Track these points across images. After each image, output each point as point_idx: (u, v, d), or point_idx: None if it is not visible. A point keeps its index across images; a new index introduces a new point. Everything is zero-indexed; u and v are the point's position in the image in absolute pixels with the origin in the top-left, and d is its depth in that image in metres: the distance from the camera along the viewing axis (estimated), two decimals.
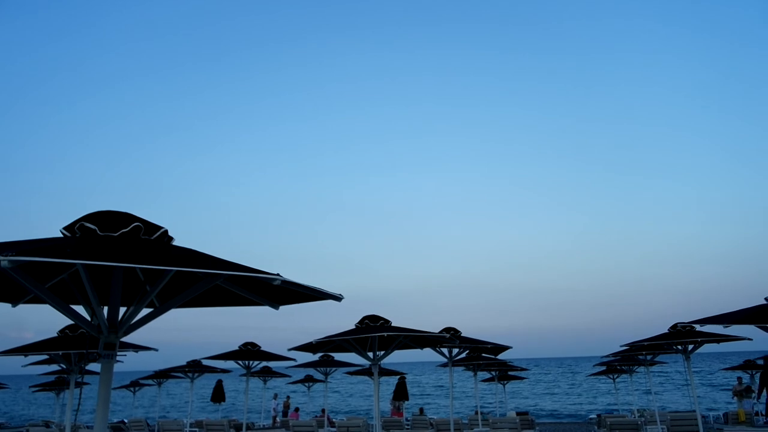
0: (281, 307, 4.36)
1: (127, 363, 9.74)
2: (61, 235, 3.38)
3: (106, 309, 3.65)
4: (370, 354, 9.11)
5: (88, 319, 3.59)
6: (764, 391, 13.79)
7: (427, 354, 11.95)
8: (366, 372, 19.85)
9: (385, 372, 20.24)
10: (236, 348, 13.59)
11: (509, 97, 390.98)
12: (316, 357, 17.18)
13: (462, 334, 11.72)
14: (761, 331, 6.76)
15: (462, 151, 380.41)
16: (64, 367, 10.14)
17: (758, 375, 19.44)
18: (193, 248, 3.46)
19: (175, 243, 3.61)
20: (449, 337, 10.17)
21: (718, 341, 10.59)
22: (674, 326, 10.74)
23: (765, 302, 6.95)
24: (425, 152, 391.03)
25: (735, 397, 19.20)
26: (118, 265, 3.21)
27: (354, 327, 8.86)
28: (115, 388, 24.64)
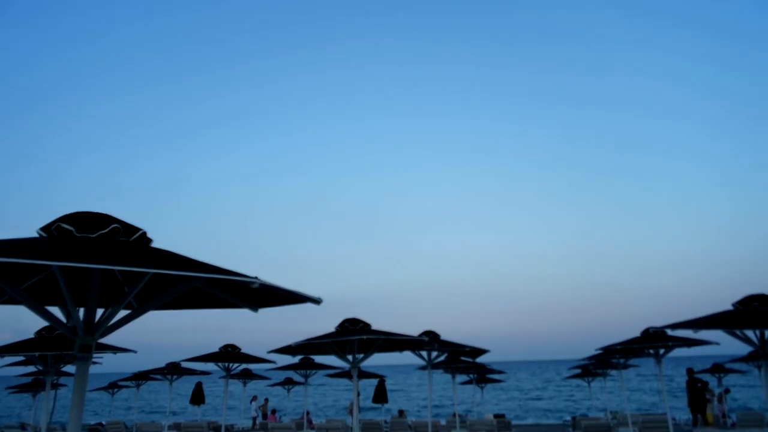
0: (261, 310, 4.40)
1: (105, 365, 9.64)
2: (38, 236, 3.37)
3: (82, 311, 3.64)
4: (350, 357, 9.16)
5: (64, 320, 3.58)
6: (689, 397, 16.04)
7: (407, 357, 12.04)
8: (346, 374, 19.87)
9: (365, 375, 20.27)
10: (216, 350, 13.52)
11: (494, 103, 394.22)
12: (295, 359, 17.15)
13: (441, 338, 11.83)
14: (729, 335, 6.99)
15: (443, 155, 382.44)
16: (41, 368, 9.98)
17: (726, 378, 20.01)
18: (172, 250, 3.47)
19: (154, 245, 3.63)
20: (428, 341, 10.25)
21: (688, 345, 10.85)
22: (646, 330, 10.98)
23: (732, 308, 7.18)
24: (407, 157, 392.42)
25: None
26: (95, 267, 3.22)
27: (334, 330, 8.90)
28: (92, 390, 24.20)
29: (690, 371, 16.70)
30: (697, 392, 15.82)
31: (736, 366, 19.55)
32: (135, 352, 9.41)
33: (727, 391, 19.48)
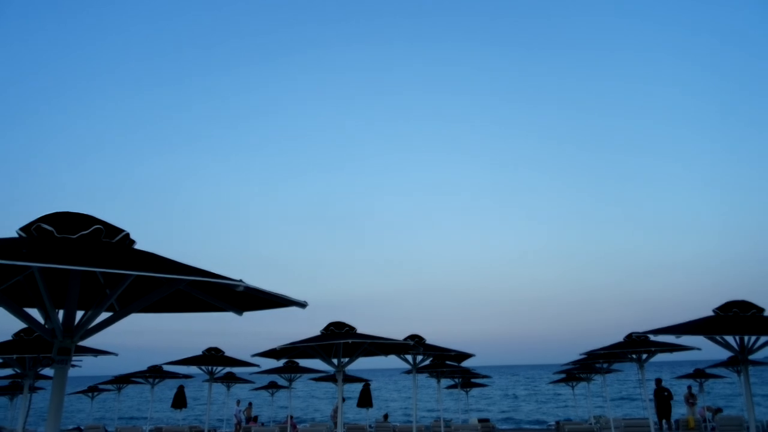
0: (246, 313, 4.36)
1: (86, 368, 9.48)
2: (17, 236, 3.30)
3: (62, 312, 3.57)
4: (335, 360, 9.12)
5: (43, 323, 3.51)
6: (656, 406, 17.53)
7: (392, 361, 12.03)
8: (330, 378, 19.80)
9: (350, 379, 20.20)
10: (199, 353, 13.39)
11: (483, 104, 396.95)
12: (280, 363, 17.05)
13: (426, 342, 11.83)
14: (710, 341, 7.08)
15: (433, 158, 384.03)
16: (18, 371, 9.79)
17: (707, 383, 20.30)
18: (159, 252, 3.42)
19: (140, 247, 3.57)
20: (413, 345, 10.24)
21: (670, 351, 10.97)
22: (629, 336, 11.09)
23: (713, 314, 7.28)
24: (396, 161, 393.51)
25: (686, 405, 19.92)
26: (75, 269, 3.16)
27: (319, 333, 8.86)
28: (72, 393, 23.80)
29: (658, 381, 18.00)
30: (662, 400, 17.49)
31: (717, 371, 19.83)
32: (116, 354, 9.24)
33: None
